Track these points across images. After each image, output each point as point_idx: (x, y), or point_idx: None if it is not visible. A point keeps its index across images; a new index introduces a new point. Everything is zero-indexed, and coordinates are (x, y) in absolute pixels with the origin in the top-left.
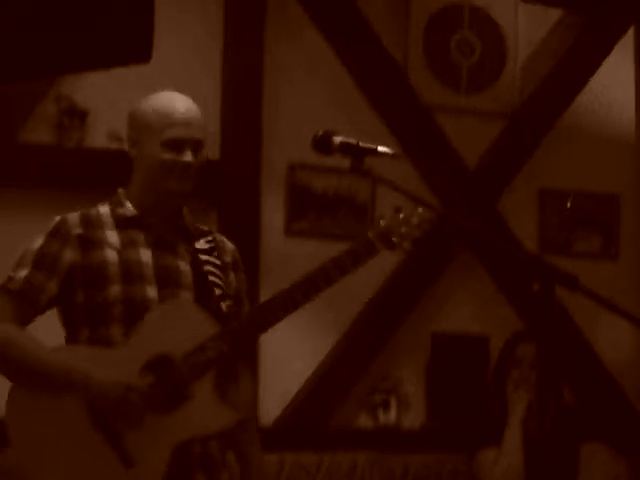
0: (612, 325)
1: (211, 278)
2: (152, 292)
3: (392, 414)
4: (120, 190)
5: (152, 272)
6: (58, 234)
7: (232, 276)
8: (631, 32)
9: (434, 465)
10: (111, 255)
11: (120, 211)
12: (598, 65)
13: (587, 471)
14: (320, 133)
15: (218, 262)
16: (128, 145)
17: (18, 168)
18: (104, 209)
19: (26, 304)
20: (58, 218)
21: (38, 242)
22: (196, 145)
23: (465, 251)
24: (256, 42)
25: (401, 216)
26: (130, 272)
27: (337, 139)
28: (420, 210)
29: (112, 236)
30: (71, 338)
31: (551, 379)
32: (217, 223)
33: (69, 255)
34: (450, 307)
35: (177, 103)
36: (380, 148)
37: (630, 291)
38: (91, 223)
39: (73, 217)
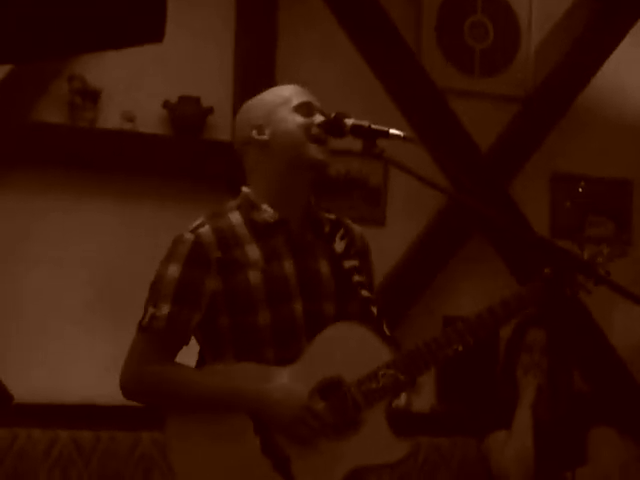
0: (624, 311)
1: (356, 278)
2: (299, 308)
3: (402, 397)
4: (246, 190)
5: (296, 283)
6: (197, 261)
7: (368, 265)
8: None
9: (444, 448)
10: (254, 277)
11: (257, 217)
12: (612, 49)
13: (596, 456)
14: (332, 115)
15: (356, 262)
16: (254, 135)
17: (31, 148)
18: (235, 217)
19: (173, 342)
20: (191, 238)
21: (175, 271)
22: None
23: (477, 235)
24: (269, 26)
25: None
26: (276, 292)
27: (349, 121)
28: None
29: (253, 251)
30: (215, 362)
31: (562, 364)
32: None
33: (211, 284)
34: (462, 291)
35: (288, 86)
36: (392, 131)
37: None
38: (227, 241)
39: (208, 236)
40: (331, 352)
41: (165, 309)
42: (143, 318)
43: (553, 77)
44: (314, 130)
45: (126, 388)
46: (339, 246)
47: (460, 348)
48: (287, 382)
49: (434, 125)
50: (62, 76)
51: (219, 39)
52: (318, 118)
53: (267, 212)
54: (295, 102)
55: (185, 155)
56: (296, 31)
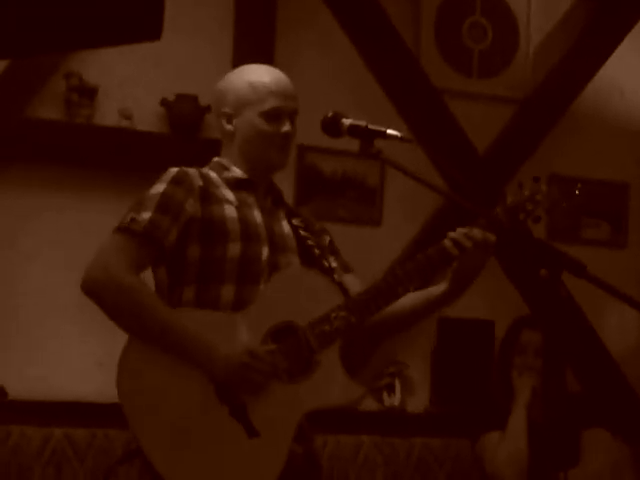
0: (618, 313)
1: (309, 242)
2: (265, 253)
3: (397, 397)
4: (216, 158)
5: (265, 233)
6: (182, 183)
7: (324, 237)
8: None
9: (438, 449)
10: (230, 211)
11: (229, 174)
12: (610, 52)
13: (589, 457)
14: (329, 115)
15: (306, 225)
16: (223, 122)
17: (27, 144)
18: (211, 172)
19: (150, 247)
20: (176, 169)
21: (159, 188)
22: (293, 115)
23: None
24: (267, 24)
25: (526, 192)
26: (248, 230)
27: (346, 121)
28: (543, 187)
29: (228, 194)
30: (174, 296)
31: (556, 365)
32: None
33: (191, 206)
34: None
35: (271, 74)
36: (389, 131)
37: (637, 279)
38: (208, 180)
39: (192, 170)
40: (284, 297)
41: (146, 215)
42: (122, 222)
43: (551, 79)
44: (277, 140)
45: (94, 282)
46: (296, 222)
47: (411, 289)
48: (234, 332)
49: (431, 126)
50: (59, 73)
51: (217, 37)
52: (285, 126)
53: (237, 172)
54: (266, 106)
55: (182, 153)
56: (294, 30)
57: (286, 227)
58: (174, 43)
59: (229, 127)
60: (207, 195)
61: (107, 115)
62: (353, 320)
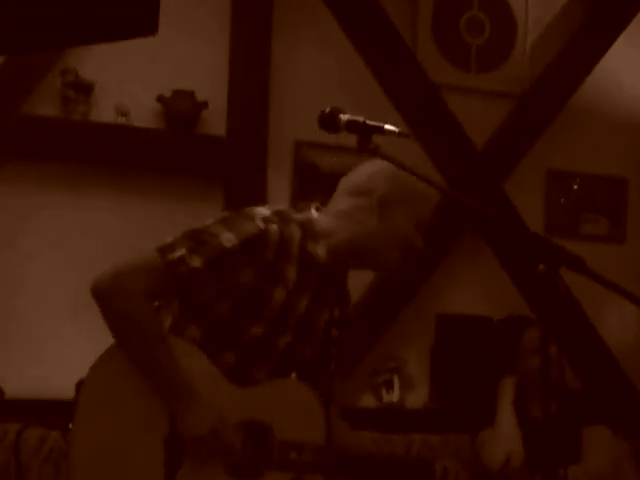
0: (618, 308)
1: (333, 350)
2: (284, 341)
3: (395, 394)
4: (316, 215)
5: (297, 321)
6: (253, 249)
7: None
8: None
9: (437, 445)
10: (279, 295)
11: (312, 249)
12: (608, 46)
13: (589, 453)
14: (327, 110)
15: (336, 333)
16: (365, 201)
17: (23, 141)
18: (297, 232)
19: (177, 292)
20: (261, 227)
21: (229, 242)
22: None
23: (471, 232)
24: (264, 20)
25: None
26: (282, 317)
27: (344, 117)
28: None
29: (291, 273)
30: (178, 324)
31: (555, 361)
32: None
33: (246, 275)
34: (455, 288)
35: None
36: (387, 126)
37: (636, 274)
38: (283, 251)
39: (273, 236)
40: (279, 402)
41: (196, 262)
42: (172, 250)
43: (549, 74)
44: (408, 248)
45: (105, 286)
46: (336, 311)
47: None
48: (216, 399)
49: (429, 121)
50: (55, 69)
51: (214, 33)
52: (419, 242)
53: (320, 252)
54: (416, 211)
55: (179, 149)
56: (291, 25)
57: (325, 317)
58: (170, 39)
59: (361, 215)
60: (269, 270)
61: (104, 111)
62: (320, 469)
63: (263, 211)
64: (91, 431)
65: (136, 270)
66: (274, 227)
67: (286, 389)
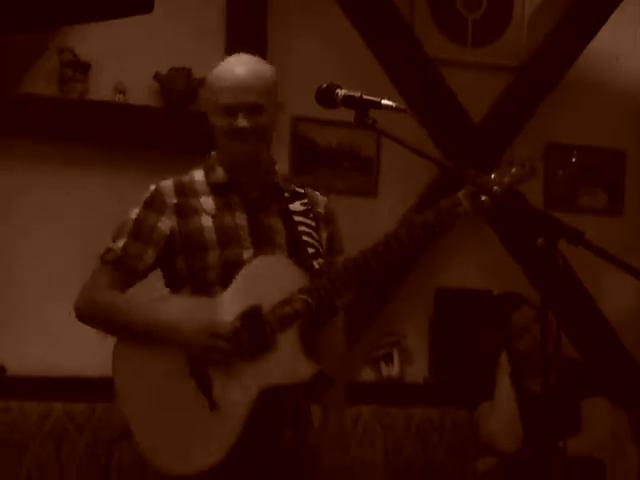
0: (616, 281)
1: (304, 238)
2: (247, 254)
3: (395, 368)
4: (212, 153)
5: (247, 234)
6: (154, 204)
7: (324, 231)
8: None
9: (436, 418)
10: (206, 221)
11: (213, 177)
12: (605, 19)
13: (588, 424)
14: (324, 86)
15: (312, 223)
16: (203, 109)
17: (21, 120)
18: (199, 175)
19: (124, 272)
20: (153, 187)
21: (134, 212)
22: (249, 109)
23: None
24: None
25: (493, 175)
26: (226, 236)
27: (341, 92)
28: (514, 170)
29: (207, 202)
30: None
31: (552, 333)
32: None
33: (166, 224)
34: (454, 262)
35: (234, 68)
36: (384, 101)
37: (635, 247)
38: (185, 191)
39: (167, 186)
40: (255, 283)
41: (120, 243)
42: (105, 252)
43: (546, 47)
44: (233, 136)
45: (78, 311)
46: (296, 207)
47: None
48: (210, 314)
49: (426, 96)
50: (52, 48)
51: (210, 10)
52: (239, 122)
53: (219, 174)
54: (219, 102)
55: (176, 127)
56: (287, 2)
57: (278, 224)
58: (167, 17)
59: (209, 116)
60: (183, 209)
61: (101, 90)
62: (312, 302)
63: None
64: (134, 399)
65: (87, 283)
66: (165, 182)
67: (256, 269)
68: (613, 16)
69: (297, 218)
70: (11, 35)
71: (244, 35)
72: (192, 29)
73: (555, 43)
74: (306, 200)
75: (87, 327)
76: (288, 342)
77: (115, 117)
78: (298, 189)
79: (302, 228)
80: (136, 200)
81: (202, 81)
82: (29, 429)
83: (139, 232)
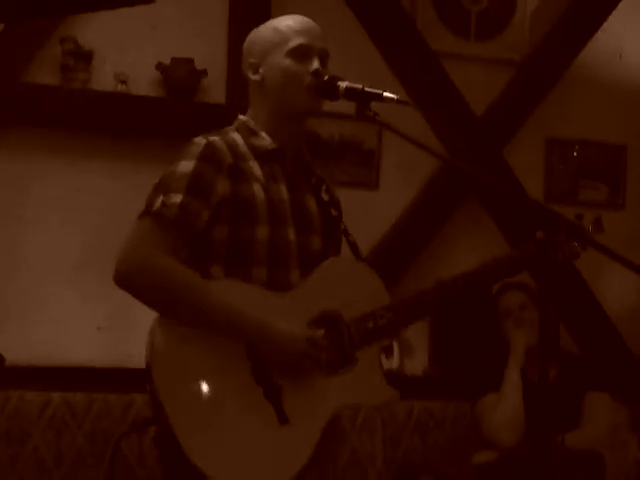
0: (616, 275)
1: (335, 218)
2: (292, 235)
3: (395, 360)
4: (243, 118)
5: (290, 212)
6: (211, 160)
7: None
8: None
9: (437, 411)
10: (258, 190)
11: (257, 142)
12: (608, 13)
13: (588, 419)
14: (326, 78)
15: (336, 213)
16: (249, 74)
17: (23, 109)
18: (238, 138)
19: (185, 234)
20: (204, 141)
21: (188, 166)
22: (322, 54)
23: (471, 199)
24: None
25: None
26: (275, 212)
27: (343, 84)
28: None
29: (256, 168)
30: (202, 274)
31: (551, 327)
32: None
33: (222, 185)
34: (455, 255)
35: (296, 18)
36: (386, 94)
37: (636, 241)
38: (236, 153)
39: (219, 143)
40: (331, 286)
41: (177, 198)
42: (151, 205)
43: (549, 41)
44: (306, 79)
45: (127, 270)
46: (324, 195)
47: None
48: (288, 316)
49: (429, 89)
50: (54, 38)
51: (213, 1)
52: (314, 64)
53: (266, 140)
54: (291, 44)
55: (178, 117)
56: None
57: (312, 204)
58: (169, 6)
59: (255, 77)
60: (237, 172)
61: (103, 79)
62: (398, 323)
63: (200, 136)
64: (183, 400)
65: (139, 241)
66: (214, 137)
67: (331, 271)
68: (616, 10)
69: (327, 203)
70: (14, 24)
71: (247, 29)
72: (195, 19)
73: (558, 37)
74: (326, 186)
75: (86, 316)
76: (368, 360)
77: (117, 107)
78: (319, 174)
79: (335, 212)
80: (181, 153)
81: (204, 72)
82: (29, 419)
83: (198, 189)
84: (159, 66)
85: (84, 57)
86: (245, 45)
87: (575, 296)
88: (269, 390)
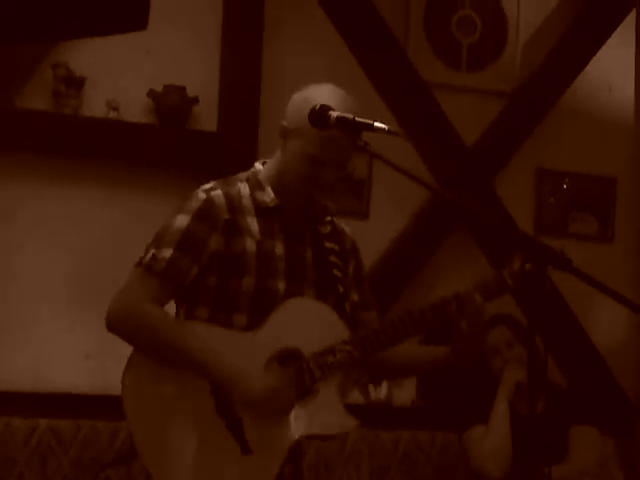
0: (606, 308)
1: (335, 273)
2: (282, 286)
3: (383, 391)
4: (258, 167)
5: (283, 266)
6: (207, 217)
7: (351, 265)
8: (632, 15)
9: (424, 442)
10: (250, 245)
11: (260, 197)
12: (598, 47)
13: (575, 452)
14: (317, 107)
15: (338, 248)
16: (280, 132)
17: (14, 134)
18: (244, 189)
19: (170, 287)
20: (204, 197)
21: (183, 221)
22: (342, 166)
23: (460, 229)
24: (256, 16)
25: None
26: (265, 265)
27: (334, 114)
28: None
29: (253, 224)
30: (187, 314)
31: (539, 359)
32: None
33: (215, 241)
34: (445, 284)
35: (349, 101)
36: (377, 124)
37: (624, 274)
38: (235, 207)
39: (219, 197)
40: (292, 324)
41: (167, 253)
42: (143, 257)
43: (539, 73)
44: (313, 185)
45: (114, 317)
46: (325, 229)
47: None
48: (250, 354)
49: (420, 119)
50: (46, 63)
51: (205, 28)
52: (326, 176)
53: (269, 196)
54: (311, 150)
55: (170, 145)
56: (283, 22)
57: (309, 256)
58: (162, 34)
59: (281, 141)
60: (232, 227)
61: (94, 106)
62: (356, 355)
63: (206, 185)
64: (152, 435)
65: (128, 290)
66: (217, 192)
67: (292, 310)
68: (606, 44)
69: (327, 244)
70: (5, 48)
71: (238, 56)
72: (187, 47)
73: (549, 70)
74: (335, 235)
75: (75, 343)
76: (328, 392)
77: (108, 134)
78: (328, 222)
79: (332, 258)
80: (180, 205)
81: (196, 99)
82: (15, 445)
83: (189, 246)
84: (151, 93)
85: (76, 83)
86: (292, 101)
87: (564, 329)
88: (231, 423)
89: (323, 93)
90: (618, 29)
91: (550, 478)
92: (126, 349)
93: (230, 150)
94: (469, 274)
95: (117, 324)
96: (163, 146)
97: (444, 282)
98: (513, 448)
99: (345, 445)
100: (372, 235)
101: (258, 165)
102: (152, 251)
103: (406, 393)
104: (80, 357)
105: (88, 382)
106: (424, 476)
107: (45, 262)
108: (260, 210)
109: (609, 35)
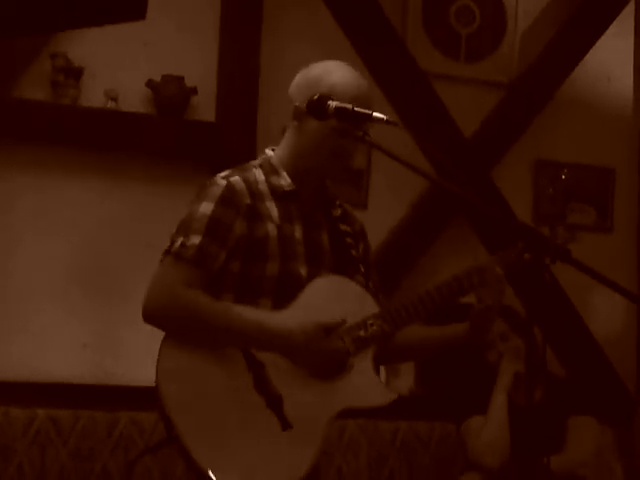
0: (604, 298)
1: (353, 252)
2: (303, 270)
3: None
4: (270, 153)
5: (303, 250)
6: (231, 203)
7: (361, 245)
8: (631, 6)
9: (422, 432)
10: (272, 230)
11: (276, 182)
12: (597, 37)
13: (573, 442)
14: (315, 97)
15: (350, 230)
16: (292, 115)
17: (13, 124)
18: (259, 175)
19: (201, 272)
20: (224, 183)
21: (208, 208)
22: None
23: (458, 219)
24: (254, 6)
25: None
26: (287, 249)
27: (332, 104)
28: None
29: (272, 209)
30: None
31: (538, 349)
32: None
33: (240, 226)
34: (442, 275)
35: (352, 80)
36: (375, 114)
37: (623, 264)
38: (254, 193)
39: (239, 183)
40: (322, 300)
41: (195, 240)
42: (171, 245)
43: (538, 64)
44: (340, 161)
45: (152, 306)
46: (336, 212)
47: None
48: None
49: (418, 109)
50: (45, 53)
51: (204, 18)
52: (352, 146)
53: (285, 180)
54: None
55: (168, 135)
56: (282, 12)
57: (325, 240)
58: (160, 24)
59: (294, 122)
60: (253, 212)
61: (93, 96)
62: (387, 329)
63: (222, 173)
64: (192, 416)
65: (161, 278)
66: (235, 177)
67: (322, 288)
68: (605, 35)
69: (342, 226)
70: (4, 40)
71: (237, 46)
72: (186, 37)
73: (547, 61)
74: (347, 217)
75: (72, 333)
76: (363, 365)
77: (107, 124)
78: (339, 206)
79: (348, 239)
80: (201, 193)
81: (194, 89)
82: (14, 435)
83: (216, 231)
84: (149, 83)
85: (74, 73)
86: (298, 81)
87: (562, 319)
88: (270, 399)
89: (335, 73)
90: (617, 19)
91: (548, 468)
92: (124, 339)
93: (229, 140)
94: (468, 264)
95: (157, 312)
96: (162, 136)
97: (443, 272)
98: (511, 438)
99: (343, 435)
100: (371, 225)
101: (269, 151)
102: (180, 239)
103: (404, 382)
104: (78, 347)
105: (86, 372)
106: (422, 466)
107: (44, 252)
108: (277, 195)
109: (607, 25)
